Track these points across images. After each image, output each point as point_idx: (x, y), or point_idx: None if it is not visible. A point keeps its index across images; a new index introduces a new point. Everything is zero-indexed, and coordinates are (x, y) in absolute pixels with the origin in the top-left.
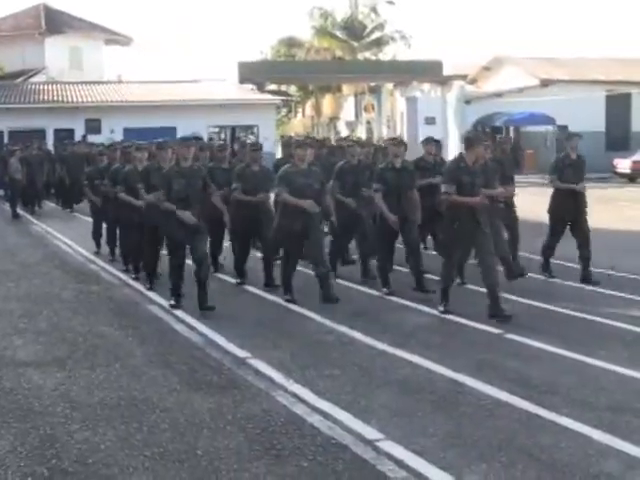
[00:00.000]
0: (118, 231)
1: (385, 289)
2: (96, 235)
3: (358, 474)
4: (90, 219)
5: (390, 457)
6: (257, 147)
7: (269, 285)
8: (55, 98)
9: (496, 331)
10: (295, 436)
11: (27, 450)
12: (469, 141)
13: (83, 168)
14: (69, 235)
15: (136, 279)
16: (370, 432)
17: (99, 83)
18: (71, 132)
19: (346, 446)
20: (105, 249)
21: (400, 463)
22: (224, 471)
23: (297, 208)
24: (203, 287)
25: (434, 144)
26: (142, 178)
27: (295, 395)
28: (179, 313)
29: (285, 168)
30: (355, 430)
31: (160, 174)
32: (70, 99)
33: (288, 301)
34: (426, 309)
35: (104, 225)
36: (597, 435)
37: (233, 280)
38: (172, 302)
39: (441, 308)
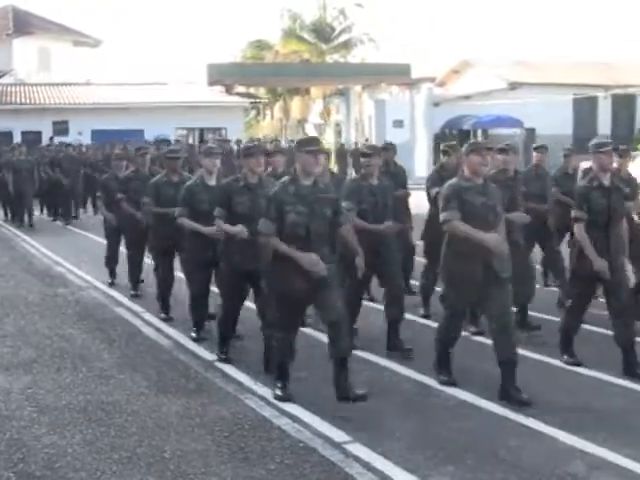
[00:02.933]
0: (159, 270)
1: (565, 356)
2: (111, 262)
3: (326, 477)
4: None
5: (358, 459)
6: (373, 151)
7: (399, 349)
8: (22, 100)
9: (462, 333)
10: (263, 439)
11: None
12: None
13: (79, 174)
14: (36, 238)
15: (197, 340)
16: (338, 435)
17: (67, 85)
18: (39, 134)
19: (314, 449)
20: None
21: (367, 465)
22: (192, 474)
23: (479, 246)
24: (344, 366)
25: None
26: (220, 199)
27: (263, 398)
28: (147, 316)
29: (455, 183)
30: (323, 433)
31: (265, 196)
32: (37, 101)
33: (445, 383)
34: None
35: (118, 248)
36: (563, 436)
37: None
38: (279, 393)
39: None
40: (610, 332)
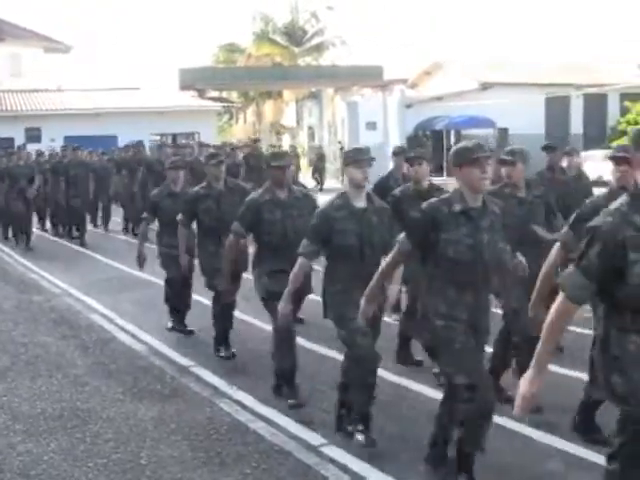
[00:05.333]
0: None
1: None
2: (174, 307)
3: None
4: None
5: (333, 462)
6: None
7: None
8: None
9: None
10: (239, 443)
11: None
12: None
13: (88, 183)
14: (8, 244)
15: (370, 446)
16: (313, 437)
17: (39, 91)
18: (11, 141)
19: (289, 452)
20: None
21: (343, 467)
22: None
23: None
24: None
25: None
26: (415, 231)
27: (238, 402)
28: (121, 322)
29: None
30: (298, 436)
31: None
32: (9, 107)
33: None
34: None
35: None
36: (538, 435)
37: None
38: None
39: None
40: (587, 331)
